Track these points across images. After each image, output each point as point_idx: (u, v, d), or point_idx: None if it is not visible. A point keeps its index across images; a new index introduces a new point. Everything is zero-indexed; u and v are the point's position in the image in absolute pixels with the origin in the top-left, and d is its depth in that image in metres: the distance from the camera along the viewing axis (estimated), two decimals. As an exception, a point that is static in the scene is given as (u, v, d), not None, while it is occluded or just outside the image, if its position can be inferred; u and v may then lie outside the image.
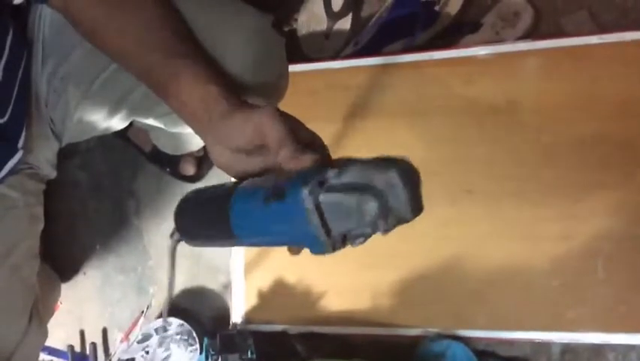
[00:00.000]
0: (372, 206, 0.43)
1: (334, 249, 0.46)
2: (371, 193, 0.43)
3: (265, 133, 0.51)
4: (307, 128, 0.53)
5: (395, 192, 0.44)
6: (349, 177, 0.44)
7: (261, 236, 0.51)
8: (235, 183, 0.54)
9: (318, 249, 0.46)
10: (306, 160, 0.48)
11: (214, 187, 0.56)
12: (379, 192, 0.44)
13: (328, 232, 0.45)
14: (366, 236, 0.46)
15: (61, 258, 1.29)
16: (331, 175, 0.45)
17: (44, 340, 0.91)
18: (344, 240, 0.47)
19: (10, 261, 0.78)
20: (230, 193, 0.52)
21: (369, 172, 0.44)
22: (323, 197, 0.44)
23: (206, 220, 0.54)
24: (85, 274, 1.31)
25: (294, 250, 0.52)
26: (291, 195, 0.45)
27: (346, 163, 0.45)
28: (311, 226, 0.45)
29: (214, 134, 0.54)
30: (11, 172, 0.75)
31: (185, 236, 0.57)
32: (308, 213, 0.44)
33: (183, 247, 1.02)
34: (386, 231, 0.45)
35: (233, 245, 0.55)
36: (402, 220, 0.45)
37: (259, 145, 0.52)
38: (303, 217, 0.45)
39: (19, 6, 0.72)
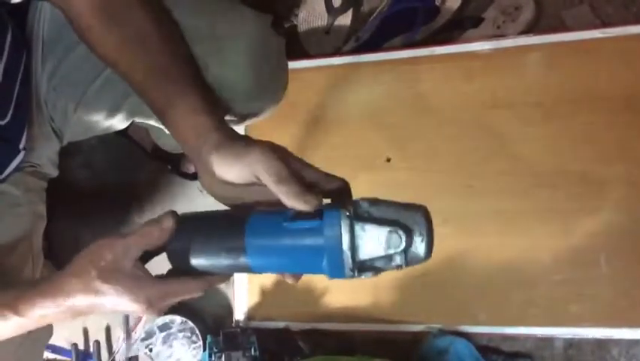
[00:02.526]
0: (400, 238, 0.47)
1: (354, 274, 0.49)
2: (401, 228, 0.47)
3: (258, 175, 0.50)
4: (313, 168, 0.52)
5: (419, 232, 0.48)
6: (381, 210, 0.48)
7: (281, 260, 0.51)
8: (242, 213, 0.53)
9: (337, 273, 0.49)
10: (311, 202, 0.48)
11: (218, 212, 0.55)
12: (407, 229, 0.47)
13: (354, 256, 0.48)
14: (378, 271, 0.49)
15: (64, 256, 1.30)
16: (365, 205, 0.48)
17: (49, 337, 0.91)
18: (363, 268, 0.49)
19: (14, 258, 0.78)
20: (242, 220, 0.52)
21: (399, 210, 0.48)
22: (358, 222, 0.47)
23: (215, 238, 0.53)
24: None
25: (294, 277, 0.53)
26: (328, 215, 0.48)
27: (376, 200, 0.48)
28: (341, 247, 0.47)
29: (204, 165, 0.54)
30: (13, 171, 0.75)
31: (182, 256, 0.55)
32: (342, 235, 0.47)
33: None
34: (399, 267, 0.48)
35: (238, 270, 0.54)
36: (414, 260, 0.49)
37: (251, 182, 0.51)
38: (335, 238, 0.47)
39: (17, 5, 0.72)
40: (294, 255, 0.50)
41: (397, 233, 0.46)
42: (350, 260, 0.47)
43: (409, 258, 0.48)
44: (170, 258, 0.55)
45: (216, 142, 0.53)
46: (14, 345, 0.67)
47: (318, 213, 0.48)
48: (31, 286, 0.57)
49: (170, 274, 0.56)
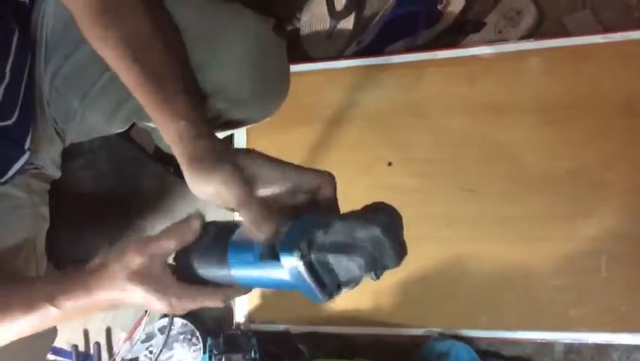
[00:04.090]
0: (358, 264, 0.47)
1: (331, 297, 0.50)
2: (357, 252, 0.47)
3: (222, 197, 0.52)
4: (290, 168, 0.54)
5: (380, 247, 0.47)
6: (335, 235, 0.48)
7: (262, 285, 0.54)
8: (228, 232, 0.55)
9: (315, 300, 0.50)
10: (265, 232, 0.50)
11: (211, 233, 0.57)
12: (364, 250, 0.47)
13: (323, 285, 0.49)
14: (355, 284, 0.50)
15: (65, 258, 1.30)
16: (319, 236, 0.48)
17: (54, 338, 0.91)
18: (339, 287, 0.50)
19: (18, 260, 0.79)
20: (225, 245, 0.54)
21: (353, 230, 0.48)
22: (314, 257, 0.48)
23: (207, 251, 0.56)
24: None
25: None
26: (284, 257, 0.48)
27: (332, 221, 0.48)
28: (307, 285, 0.48)
29: (185, 173, 0.56)
30: (17, 172, 0.75)
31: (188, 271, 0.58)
32: (301, 274, 0.48)
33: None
34: (376, 278, 0.49)
35: (235, 282, 0.56)
36: (388, 267, 0.49)
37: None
38: (297, 276, 0.48)
39: (22, 6, 0.73)
40: (272, 284, 0.52)
41: (354, 259, 0.47)
42: (319, 290, 0.49)
43: (381, 269, 0.48)
44: (180, 266, 0.57)
45: (190, 155, 0.55)
46: (18, 347, 0.67)
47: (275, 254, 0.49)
48: (68, 281, 0.59)
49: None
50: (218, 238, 0.55)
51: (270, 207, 0.52)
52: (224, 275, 0.54)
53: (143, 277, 0.55)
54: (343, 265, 0.48)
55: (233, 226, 0.55)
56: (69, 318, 0.61)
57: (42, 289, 0.60)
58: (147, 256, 0.55)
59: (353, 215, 0.49)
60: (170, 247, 0.55)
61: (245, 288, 0.57)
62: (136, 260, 0.54)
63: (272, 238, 0.50)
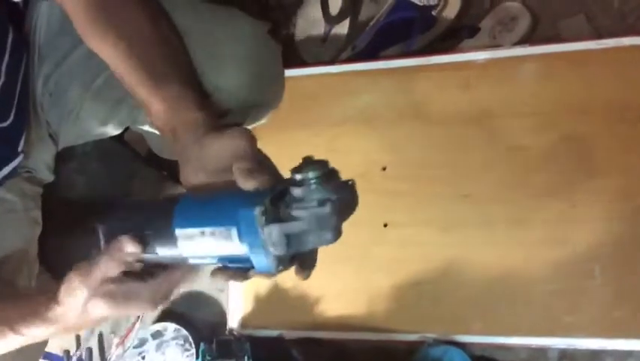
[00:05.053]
0: (325, 238, 0.46)
1: (282, 267, 0.49)
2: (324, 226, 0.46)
3: (233, 149, 0.52)
4: (260, 151, 0.55)
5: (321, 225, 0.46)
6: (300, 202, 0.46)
7: (208, 252, 0.50)
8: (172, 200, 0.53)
9: (266, 268, 0.48)
10: (263, 180, 0.49)
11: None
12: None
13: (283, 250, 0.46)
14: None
15: (57, 263, 1.29)
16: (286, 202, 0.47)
17: (45, 345, 0.91)
18: (292, 258, 0.49)
19: (11, 265, 0.78)
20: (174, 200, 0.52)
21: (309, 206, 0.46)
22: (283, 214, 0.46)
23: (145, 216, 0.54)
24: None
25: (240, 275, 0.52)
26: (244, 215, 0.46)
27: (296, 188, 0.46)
28: (265, 247, 0.46)
29: (188, 154, 0.56)
30: (9, 175, 0.74)
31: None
32: (267, 234, 0.46)
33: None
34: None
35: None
36: (324, 242, 0.47)
37: (229, 167, 0.52)
38: (257, 237, 0.46)
39: (17, 7, 0.72)
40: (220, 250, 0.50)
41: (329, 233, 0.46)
42: (273, 258, 0.47)
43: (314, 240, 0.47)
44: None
45: (205, 131, 0.56)
46: (10, 355, 0.67)
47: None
48: (29, 305, 0.58)
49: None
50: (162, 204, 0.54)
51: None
52: (167, 240, 0.51)
53: (104, 290, 0.53)
54: (310, 236, 0.46)
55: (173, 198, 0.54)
56: (36, 340, 0.60)
57: (3, 311, 0.59)
58: (103, 268, 0.52)
59: (312, 184, 0.46)
60: (112, 272, 0.53)
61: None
62: (95, 274, 0.52)
63: (264, 188, 0.49)
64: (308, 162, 0.47)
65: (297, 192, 0.46)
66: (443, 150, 1.08)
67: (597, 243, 1.00)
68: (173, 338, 1.18)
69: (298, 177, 0.46)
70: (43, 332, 0.58)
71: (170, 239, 0.51)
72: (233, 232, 0.47)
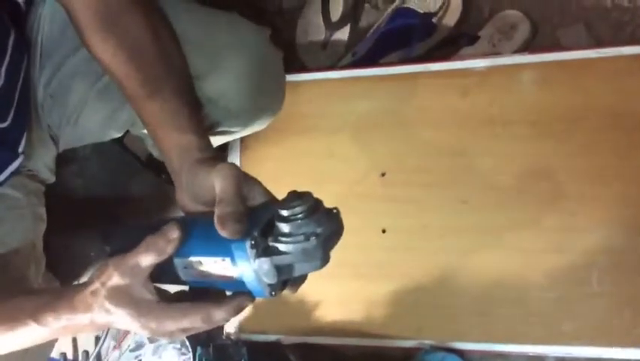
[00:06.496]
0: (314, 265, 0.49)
1: (275, 293, 0.53)
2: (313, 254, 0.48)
3: (225, 188, 0.52)
4: (262, 193, 0.55)
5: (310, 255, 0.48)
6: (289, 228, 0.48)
7: (206, 279, 0.54)
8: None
9: (260, 294, 0.53)
10: (234, 231, 0.49)
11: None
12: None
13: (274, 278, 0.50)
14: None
15: (57, 265, 1.29)
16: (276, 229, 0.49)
17: (52, 346, 0.90)
18: (284, 284, 0.54)
19: (18, 260, 0.78)
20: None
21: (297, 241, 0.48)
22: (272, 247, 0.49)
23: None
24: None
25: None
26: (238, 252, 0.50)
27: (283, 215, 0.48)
28: (258, 276, 0.50)
29: (181, 182, 0.57)
30: (12, 174, 0.75)
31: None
32: (258, 266, 0.49)
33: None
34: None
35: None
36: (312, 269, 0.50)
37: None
38: (249, 267, 0.49)
39: (18, 8, 0.73)
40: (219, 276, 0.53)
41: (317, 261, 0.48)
42: (266, 285, 0.51)
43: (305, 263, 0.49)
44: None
45: (197, 159, 0.56)
46: (15, 356, 0.67)
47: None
48: (53, 297, 0.58)
49: (190, 292, 0.58)
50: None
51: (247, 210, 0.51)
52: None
53: (121, 296, 0.52)
54: (299, 264, 0.49)
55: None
56: (55, 336, 0.59)
57: (26, 305, 0.58)
58: (125, 272, 0.52)
59: (300, 218, 0.48)
60: (148, 261, 0.52)
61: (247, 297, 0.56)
62: (114, 277, 0.52)
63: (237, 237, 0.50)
64: (293, 197, 0.48)
65: (284, 227, 0.48)
66: (442, 156, 1.08)
67: (595, 250, 1.00)
68: (170, 342, 1.17)
69: (284, 213, 0.48)
70: (66, 322, 0.56)
71: (171, 267, 0.54)
72: (227, 262, 0.50)
